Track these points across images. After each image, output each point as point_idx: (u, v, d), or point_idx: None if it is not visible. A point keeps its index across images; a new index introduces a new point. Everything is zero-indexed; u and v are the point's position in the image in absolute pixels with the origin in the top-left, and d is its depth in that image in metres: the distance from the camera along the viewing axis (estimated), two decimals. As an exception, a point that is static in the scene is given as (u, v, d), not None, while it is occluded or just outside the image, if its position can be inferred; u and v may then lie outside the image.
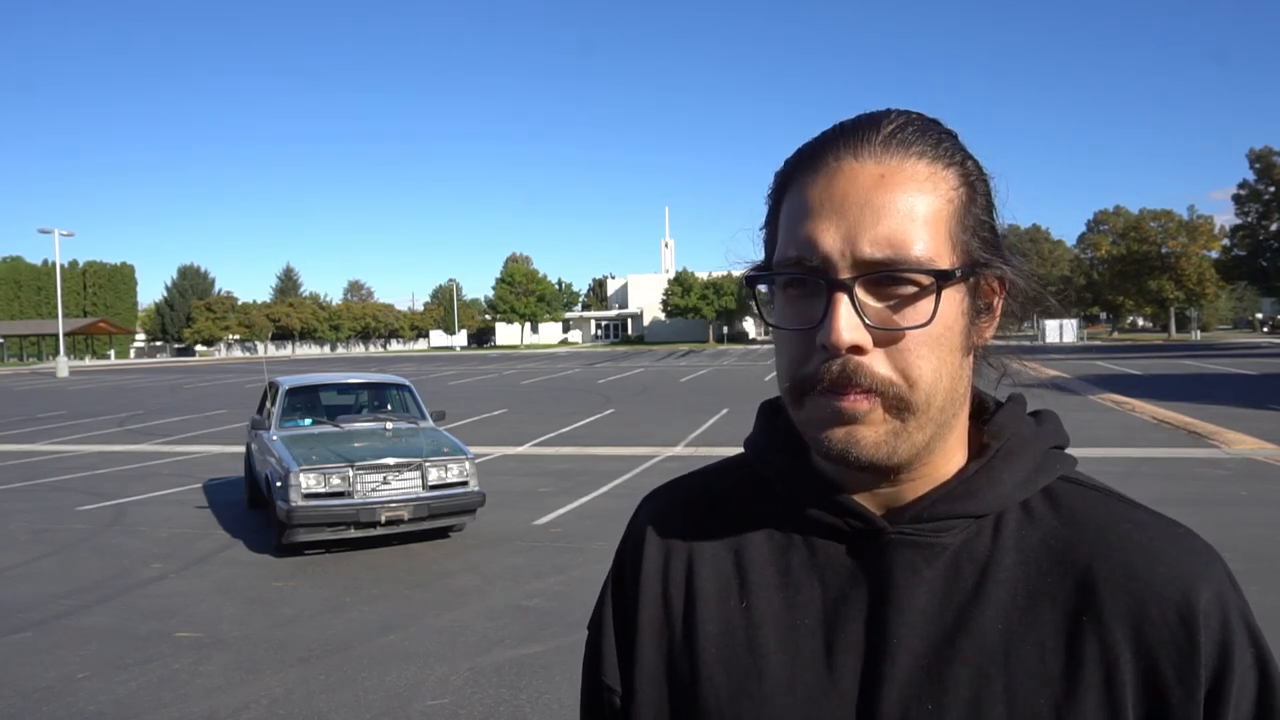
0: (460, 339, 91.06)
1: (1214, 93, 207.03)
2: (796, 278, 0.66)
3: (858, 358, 0.64)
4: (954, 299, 0.66)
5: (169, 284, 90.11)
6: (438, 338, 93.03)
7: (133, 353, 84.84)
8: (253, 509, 8.61)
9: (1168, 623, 0.64)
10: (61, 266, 57.08)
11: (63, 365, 43.70)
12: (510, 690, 4.39)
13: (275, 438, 7.69)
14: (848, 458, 0.65)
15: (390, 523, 6.95)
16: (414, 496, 7.04)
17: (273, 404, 8.32)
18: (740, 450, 0.84)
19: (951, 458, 0.71)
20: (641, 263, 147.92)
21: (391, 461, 7.10)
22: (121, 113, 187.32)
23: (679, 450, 12.53)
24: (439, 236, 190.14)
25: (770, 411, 0.81)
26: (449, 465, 7.26)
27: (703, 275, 77.32)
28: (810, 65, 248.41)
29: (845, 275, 0.64)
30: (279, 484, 6.97)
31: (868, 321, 0.63)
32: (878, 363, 0.64)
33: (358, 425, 8.17)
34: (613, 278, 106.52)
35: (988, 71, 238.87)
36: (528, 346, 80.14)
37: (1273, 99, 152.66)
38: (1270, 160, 57.59)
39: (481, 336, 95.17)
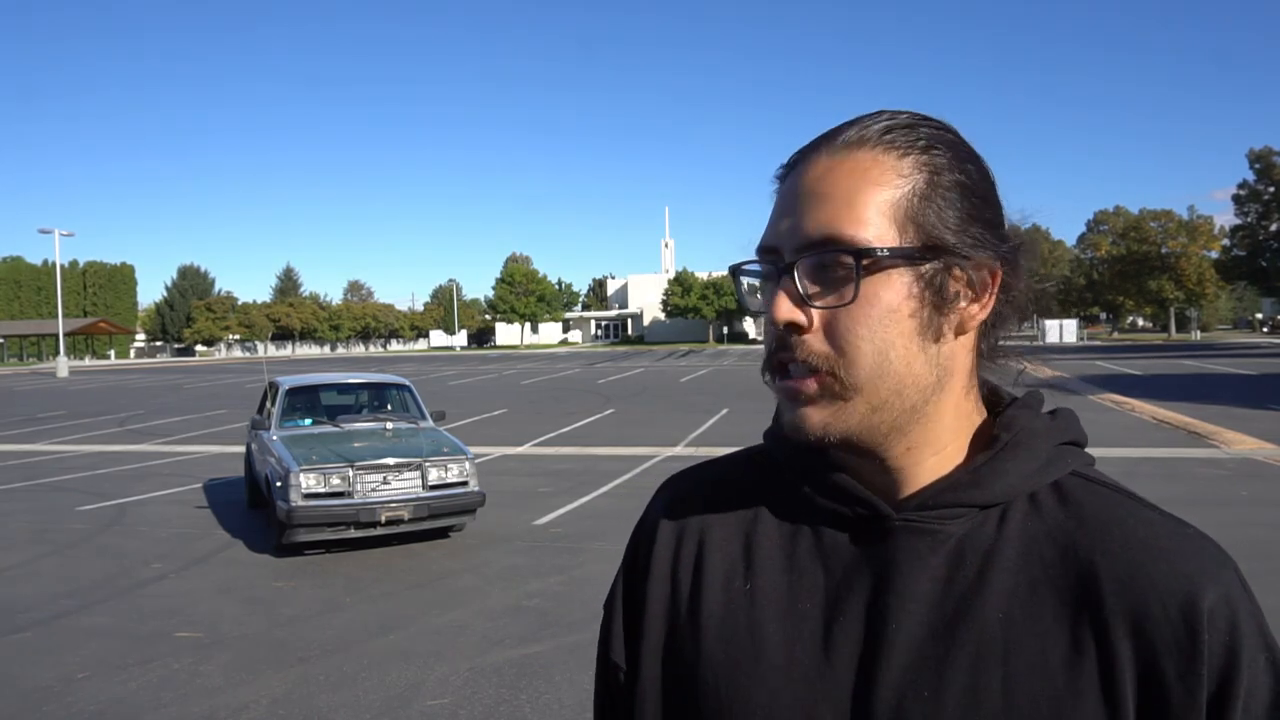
0: (460, 339, 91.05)
1: (1214, 93, 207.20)
2: (760, 266, 0.73)
3: (797, 335, 0.68)
4: (894, 281, 0.67)
5: (169, 284, 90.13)
6: (438, 338, 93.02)
7: (133, 353, 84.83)
8: (253, 509, 8.62)
9: (1170, 621, 0.63)
10: (61, 266, 57.03)
11: (63, 365, 43.70)
12: (510, 690, 4.39)
13: (275, 438, 7.70)
14: (797, 436, 0.70)
15: (390, 523, 6.96)
16: (414, 496, 7.05)
17: (273, 404, 8.32)
18: (758, 442, 0.86)
19: (947, 447, 0.72)
20: (641, 263, 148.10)
21: (391, 461, 7.11)
22: (122, 113, 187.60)
23: (679, 450, 12.53)
24: (439, 237, 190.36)
25: None
26: (449, 465, 7.27)
27: (703, 275, 77.33)
28: (810, 65, 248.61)
29: (789, 259, 0.69)
30: (279, 484, 6.97)
31: (809, 302, 0.68)
32: (816, 340, 0.68)
33: (358, 425, 8.18)
34: (613, 278, 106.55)
35: (988, 72, 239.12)
36: (528, 346, 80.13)
37: (1273, 99, 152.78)
38: (1270, 160, 57.59)
39: (481, 336, 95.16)
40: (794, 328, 0.68)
